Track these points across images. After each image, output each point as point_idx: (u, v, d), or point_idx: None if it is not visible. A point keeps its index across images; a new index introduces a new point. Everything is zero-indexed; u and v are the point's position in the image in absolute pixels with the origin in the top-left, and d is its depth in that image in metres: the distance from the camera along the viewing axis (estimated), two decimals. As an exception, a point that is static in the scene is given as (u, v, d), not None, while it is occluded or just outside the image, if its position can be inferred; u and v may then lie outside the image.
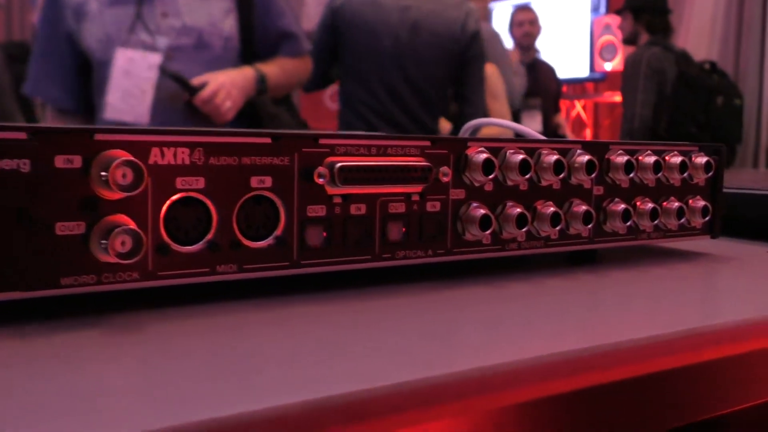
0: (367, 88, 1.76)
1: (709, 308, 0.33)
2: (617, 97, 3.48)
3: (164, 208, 0.28)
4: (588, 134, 4.60)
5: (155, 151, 0.27)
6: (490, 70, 2.13)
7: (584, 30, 4.39)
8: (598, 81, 4.53)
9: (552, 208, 0.37)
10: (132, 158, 0.26)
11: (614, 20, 3.67)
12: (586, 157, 0.38)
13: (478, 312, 0.31)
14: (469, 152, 0.35)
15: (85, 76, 1.38)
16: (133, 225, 0.26)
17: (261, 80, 1.36)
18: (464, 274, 0.37)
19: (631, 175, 0.40)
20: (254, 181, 0.30)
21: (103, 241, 0.26)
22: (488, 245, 0.36)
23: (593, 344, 0.26)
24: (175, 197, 0.28)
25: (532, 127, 2.83)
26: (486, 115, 1.98)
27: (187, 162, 0.28)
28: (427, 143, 0.34)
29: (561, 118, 3.57)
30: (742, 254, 0.46)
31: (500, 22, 3.75)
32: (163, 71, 1.28)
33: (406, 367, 0.23)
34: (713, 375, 0.29)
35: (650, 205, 0.41)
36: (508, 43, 3.14)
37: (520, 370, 0.24)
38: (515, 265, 0.39)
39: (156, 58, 1.29)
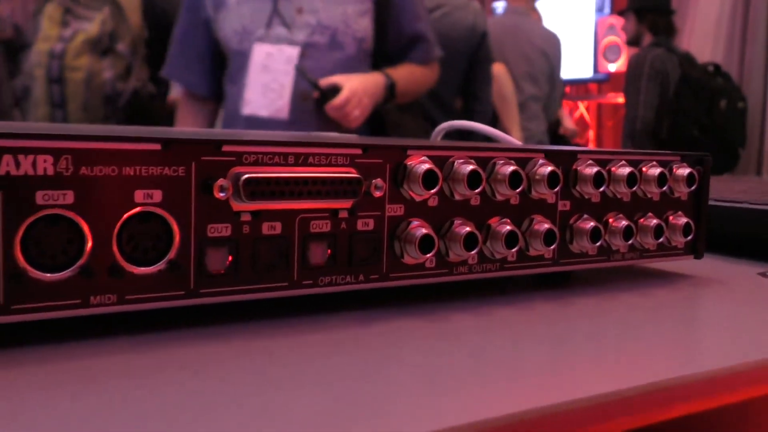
0: None
1: (684, 352, 0.28)
2: (621, 99, 3.42)
3: (22, 228, 0.23)
4: (591, 136, 4.55)
5: (7, 159, 0.23)
6: (500, 70, 2.11)
7: (588, 30, 4.33)
8: (602, 82, 4.46)
9: (508, 227, 0.32)
10: (-33, 169, 0.21)
11: (619, 21, 3.61)
12: (549, 168, 0.33)
13: (408, 356, 0.26)
14: (410, 162, 0.30)
15: (219, 63, 1.39)
16: (-27, 249, 0.22)
17: (391, 88, 1.34)
18: (403, 302, 0.32)
19: (602, 188, 0.35)
20: (139, 195, 0.25)
21: (-70, 270, 0.21)
22: (432, 269, 0.31)
23: (543, 404, 0.21)
24: (36, 215, 0.23)
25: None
26: (492, 112, 1.97)
27: (51, 173, 0.23)
28: (359, 151, 0.29)
29: (562, 111, 3.50)
30: (730, 277, 0.41)
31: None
32: (298, 69, 1.28)
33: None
34: (683, 432, 0.25)
35: (624, 223, 0.36)
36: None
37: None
38: (465, 292, 0.35)
39: (294, 52, 1.29)
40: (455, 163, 0.31)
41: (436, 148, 0.31)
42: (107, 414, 0.19)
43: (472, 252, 0.31)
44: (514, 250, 0.32)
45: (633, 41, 2.94)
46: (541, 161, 0.33)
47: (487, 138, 0.54)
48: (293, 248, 0.28)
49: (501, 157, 0.32)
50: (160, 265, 0.25)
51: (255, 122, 1.29)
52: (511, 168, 0.32)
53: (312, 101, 1.31)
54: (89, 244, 0.24)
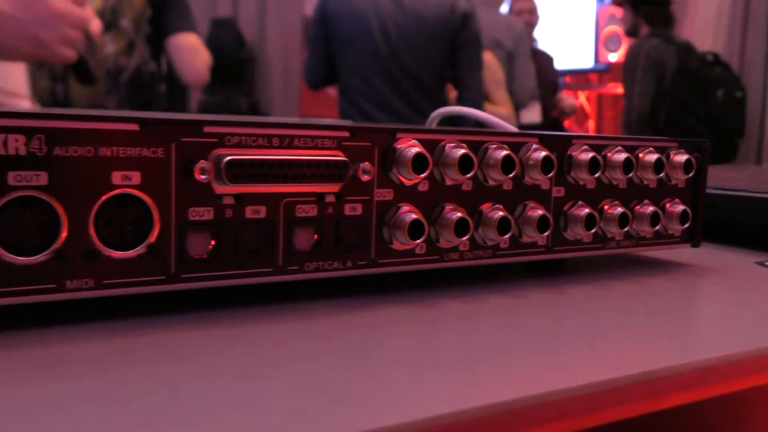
0: (362, 77, 1.72)
1: (679, 341, 0.27)
2: (621, 89, 3.41)
3: (-7, 209, 0.22)
4: (591, 126, 4.53)
5: (-23, 138, 0.22)
6: (488, 57, 2.07)
7: (589, 20, 4.30)
8: (602, 72, 4.44)
9: (500, 213, 0.32)
10: (-67, 147, 0.20)
11: (620, 11, 3.59)
12: (543, 153, 0.32)
13: (396, 343, 0.25)
14: (399, 145, 0.29)
15: None
16: (-59, 231, 0.21)
17: None
18: (392, 289, 0.31)
19: (597, 174, 0.34)
20: (117, 177, 0.24)
21: None
22: (422, 255, 0.31)
23: (532, 393, 0.21)
24: (8, 197, 0.22)
25: (529, 118, 2.80)
26: (484, 99, 1.92)
27: (23, 152, 0.22)
28: (346, 134, 0.28)
29: (561, 95, 3.48)
30: (728, 266, 0.40)
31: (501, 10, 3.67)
32: None
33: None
34: (677, 424, 0.24)
35: (620, 210, 0.35)
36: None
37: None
38: (457, 279, 0.34)
39: None
40: (446, 148, 0.30)
41: (426, 131, 0.30)
42: (77, 401, 0.19)
43: (463, 238, 0.30)
44: (506, 236, 0.32)
45: (631, 32, 2.93)
46: (535, 146, 0.33)
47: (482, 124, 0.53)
48: (278, 233, 0.27)
49: (493, 142, 0.32)
50: (140, 249, 0.25)
51: None
52: (504, 152, 0.31)
53: None
54: (65, 228, 0.23)
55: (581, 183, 0.34)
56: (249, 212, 0.27)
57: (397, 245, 0.30)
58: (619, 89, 3.64)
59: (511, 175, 0.31)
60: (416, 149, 0.29)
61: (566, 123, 3.58)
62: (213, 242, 0.26)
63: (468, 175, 0.30)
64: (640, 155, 0.36)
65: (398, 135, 0.29)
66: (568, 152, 0.34)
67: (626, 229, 0.35)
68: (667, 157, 0.37)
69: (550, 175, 0.33)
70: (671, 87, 2.68)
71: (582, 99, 4.58)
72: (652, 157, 0.36)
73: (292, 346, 0.24)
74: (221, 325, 0.26)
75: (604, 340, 0.26)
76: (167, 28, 1.73)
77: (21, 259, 0.23)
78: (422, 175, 0.29)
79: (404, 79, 1.71)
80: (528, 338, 0.26)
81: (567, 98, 3.42)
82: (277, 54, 3.68)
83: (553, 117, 3.26)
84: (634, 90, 2.72)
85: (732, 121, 2.73)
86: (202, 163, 0.25)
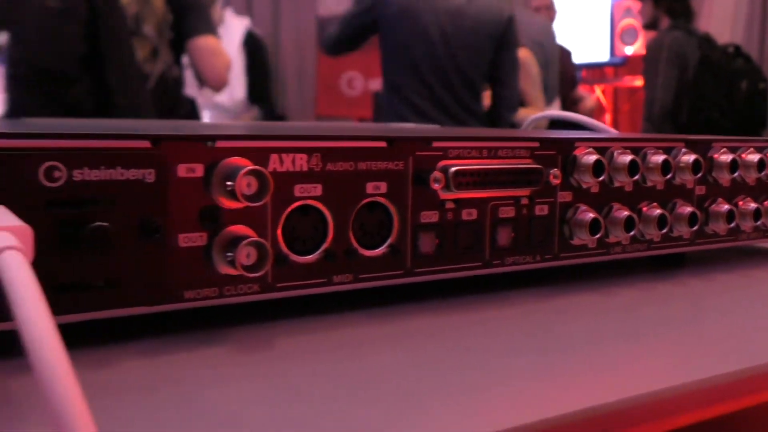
0: (418, 77, 1.77)
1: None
2: (637, 82, 3.43)
3: (283, 217, 0.26)
4: (607, 120, 4.56)
5: (274, 157, 0.26)
6: (526, 55, 2.12)
7: (605, 13, 4.33)
8: (618, 65, 4.47)
9: (658, 210, 0.36)
10: (258, 167, 0.24)
11: (635, 4, 3.62)
12: (692, 157, 0.36)
13: (592, 327, 0.29)
14: (578, 153, 0.33)
15: None
16: (255, 236, 0.25)
17: None
18: (567, 279, 0.35)
19: (736, 174, 0.38)
20: (370, 187, 0.28)
21: (228, 254, 0.24)
22: (593, 249, 0.35)
23: (711, 374, 0.24)
24: (293, 205, 0.27)
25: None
26: (518, 97, 1.97)
27: (305, 168, 0.27)
28: (536, 144, 0.32)
29: (580, 91, 3.50)
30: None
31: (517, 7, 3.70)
32: None
33: (525, 406, 0.22)
34: None
35: (753, 205, 0.39)
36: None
37: (616, 413, 0.23)
38: (616, 269, 0.38)
39: None
40: (615, 154, 0.34)
41: (598, 140, 0.34)
42: (381, 380, 0.23)
43: (630, 234, 0.34)
44: (663, 231, 0.36)
45: (650, 25, 2.95)
46: (683, 150, 0.37)
47: (568, 125, 0.56)
48: (485, 232, 0.31)
49: (650, 147, 0.36)
50: (384, 248, 0.29)
51: None
52: (662, 158, 0.35)
53: None
54: (331, 231, 0.27)
55: (720, 181, 0.38)
56: (464, 214, 0.31)
57: (576, 241, 0.34)
58: (636, 82, 3.66)
59: (668, 177, 0.35)
60: (595, 156, 0.33)
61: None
62: (437, 241, 0.30)
63: (634, 178, 0.34)
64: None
65: (576, 144, 0.33)
66: (709, 154, 0.38)
67: (759, 222, 0.39)
68: (790, 156, 0.41)
69: (698, 175, 0.36)
70: (694, 79, 2.71)
71: (598, 92, 4.60)
72: (782, 157, 0.40)
73: (517, 330, 0.28)
74: (449, 313, 0.30)
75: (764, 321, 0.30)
76: (187, 31, 1.76)
77: (301, 259, 0.27)
78: (599, 179, 0.33)
79: (456, 79, 1.77)
80: (711, 318, 0.30)
81: (587, 98, 3.45)
82: (292, 54, 3.72)
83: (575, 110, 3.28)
84: (656, 83, 2.74)
85: (756, 112, 2.76)
86: (435, 174, 0.29)
